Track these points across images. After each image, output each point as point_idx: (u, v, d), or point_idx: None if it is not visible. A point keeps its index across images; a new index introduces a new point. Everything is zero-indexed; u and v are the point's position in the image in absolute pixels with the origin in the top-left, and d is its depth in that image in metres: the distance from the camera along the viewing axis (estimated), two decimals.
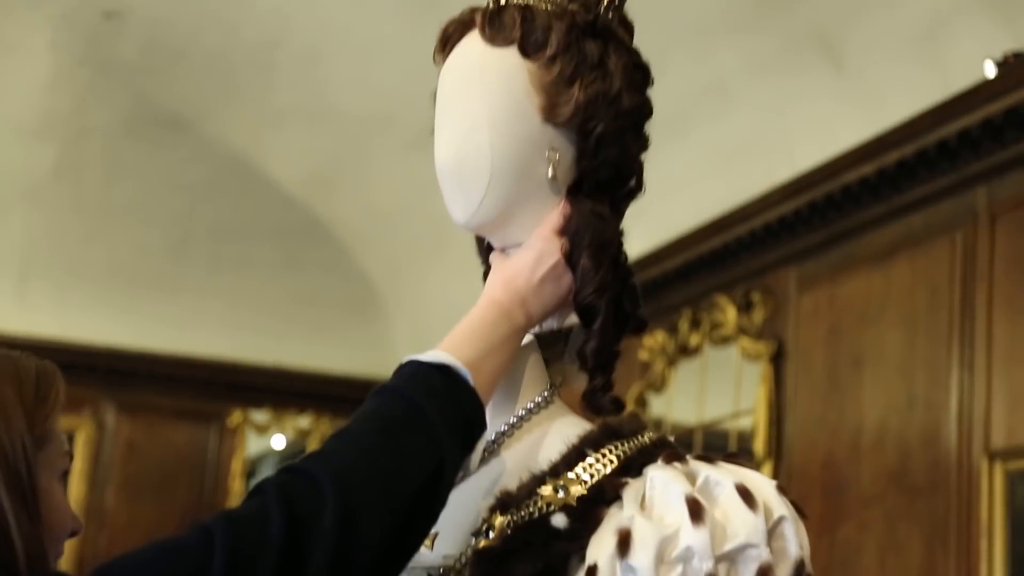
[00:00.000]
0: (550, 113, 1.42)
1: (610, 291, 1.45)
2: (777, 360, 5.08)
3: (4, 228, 7.39)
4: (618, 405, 1.43)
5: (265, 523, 1.18)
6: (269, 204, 7.46)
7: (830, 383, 4.76)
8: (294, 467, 1.24)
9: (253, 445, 8.25)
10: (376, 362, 7.89)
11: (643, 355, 5.96)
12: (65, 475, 1.43)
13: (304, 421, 8.27)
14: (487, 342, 1.37)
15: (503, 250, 1.49)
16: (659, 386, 5.91)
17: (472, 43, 1.47)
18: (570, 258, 1.44)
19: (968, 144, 4.12)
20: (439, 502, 1.29)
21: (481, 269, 1.55)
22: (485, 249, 1.55)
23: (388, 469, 1.24)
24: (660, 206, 5.65)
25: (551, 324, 1.49)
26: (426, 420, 1.27)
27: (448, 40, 1.51)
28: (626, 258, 1.51)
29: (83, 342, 7.42)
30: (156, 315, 7.81)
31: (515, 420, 1.45)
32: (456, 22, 1.50)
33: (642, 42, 5.07)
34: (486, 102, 1.43)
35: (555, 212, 1.44)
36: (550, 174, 1.43)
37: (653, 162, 5.36)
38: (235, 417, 8.13)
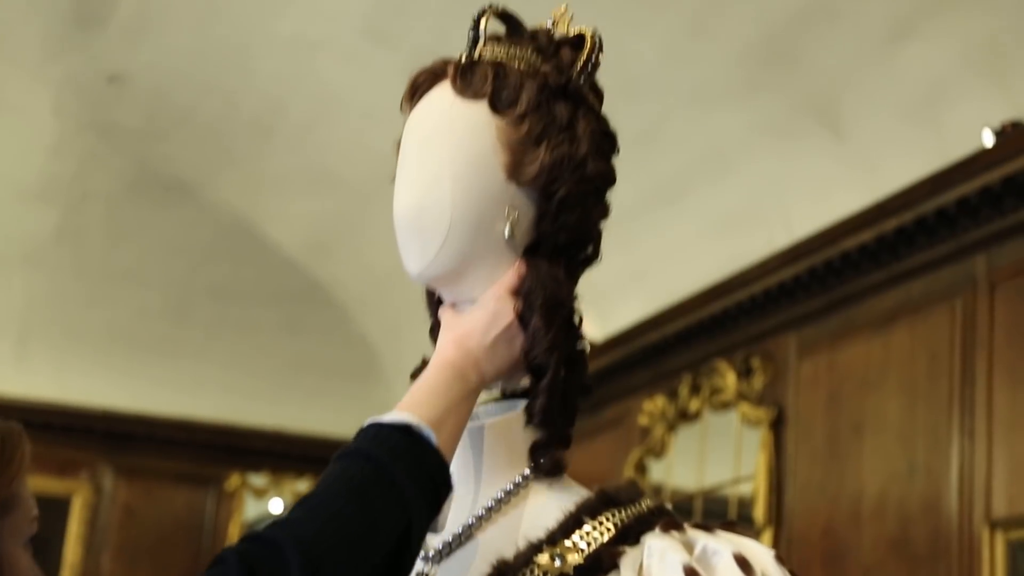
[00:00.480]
0: (514, 171, 1.42)
1: (561, 351, 1.44)
2: (777, 426, 5.06)
3: (5, 291, 7.39)
4: (558, 468, 1.41)
5: None
6: (269, 268, 7.47)
7: (830, 450, 4.74)
8: (257, 535, 1.21)
9: (251, 509, 8.20)
10: None
11: (643, 420, 5.94)
12: (33, 540, 1.41)
13: (303, 485, 8.23)
14: (445, 402, 1.35)
15: (453, 305, 1.49)
16: (659, 451, 5.89)
17: (442, 94, 1.46)
18: (522, 318, 1.44)
19: (967, 212, 4.13)
20: (407, 566, 1.27)
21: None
22: (434, 303, 1.54)
23: (355, 534, 1.22)
24: (660, 271, 5.66)
25: (505, 385, 1.48)
26: (392, 482, 1.25)
27: (417, 89, 1.50)
28: (580, 321, 1.50)
29: (81, 405, 7.40)
30: (155, 378, 7.80)
31: (511, 487, 1.44)
32: (427, 72, 1.49)
33: (640, 108, 5.15)
34: (451, 154, 1.42)
35: (510, 272, 1.44)
36: (507, 232, 1.43)
37: (653, 227, 5.42)
38: (233, 481, 8.09)
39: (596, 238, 1.50)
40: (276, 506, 8.29)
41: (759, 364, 5.22)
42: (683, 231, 5.47)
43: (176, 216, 7.18)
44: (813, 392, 4.91)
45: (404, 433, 1.29)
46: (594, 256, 1.50)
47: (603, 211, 1.49)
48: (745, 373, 5.29)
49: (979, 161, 4.05)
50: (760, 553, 1.31)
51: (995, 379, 4.05)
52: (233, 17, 5.55)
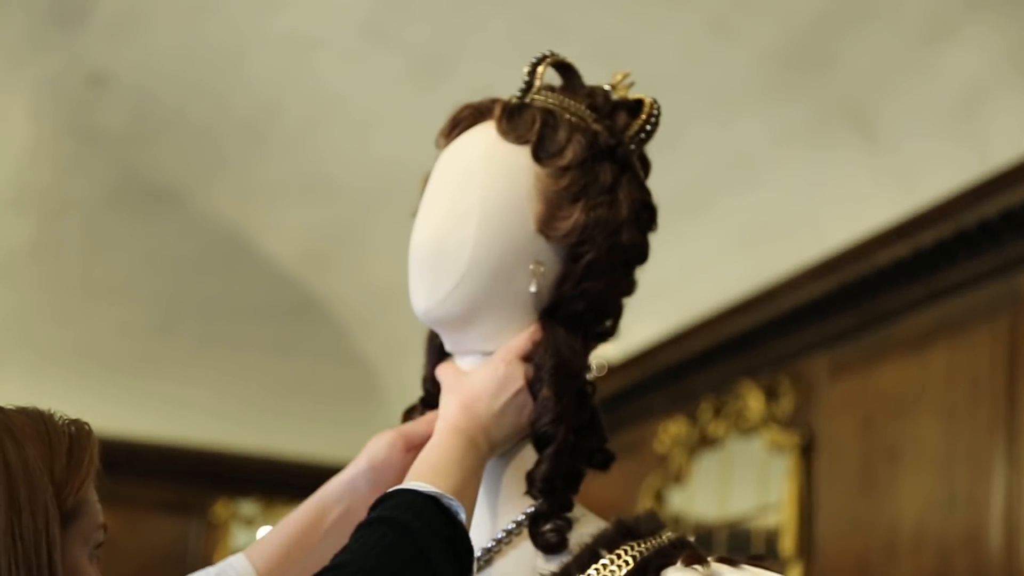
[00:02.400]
0: (546, 224, 1.44)
1: (568, 421, 1.44)
2: (807, 452, 5.07)
3: None
4: (561, 542, 1.42)
5: None
6: (261, 282, 7.48)
7: (864, 478, 4.75)
8: None
9: (240, 539, 8.20)
10: None
11: (661, 446, 5.95)
12: (99, 548, 1.41)
13: None
14: (462, 472, 1.37)
15: (452, 358, 1.49)
16: (678, 479, 5.89)
17: (484, 132, 1.49)
18: (531, 385, 1.45)
19: (1012, 224, 4.14)
20: None
21: None
22: (435, 350, 1.55)
23: None
24: (680, 286, 5.67)
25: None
26: (425, 557, 1.28)
27: (458, 124, 1.53)
28: (593, 391, 1.51)
29: None
30: (137, 400, 7.81)
31: (522, 517, 1.46)
32: (472, 108, 1.53)
33: (662, 109, 5.08)
34: (483, 193, 1.44)
35: (524, 334, 1.45)
36: (532, 288, 1.44)
37: (673, 238, 5.43)
38: (220, 509, 8.09)
39: (617, 313, 1.51)
40: None
41: (787, 386, 5.22)
42: (706, 243, 5.48)
43: (161, 226, 7.19)
44: (845, 416, 4.92)
45: (436, 506, 1.32)
46: (612, 332, 1.51)
47: (628, 287, 1.51)
48: (772, 395, 5.30)
49: None
50: None
51: None
52: (224, 13, 5.58)
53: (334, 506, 1.52)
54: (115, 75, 6.11)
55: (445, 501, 1.31)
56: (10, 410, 1.39)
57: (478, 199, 1.44)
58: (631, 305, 1.54)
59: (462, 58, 5.31)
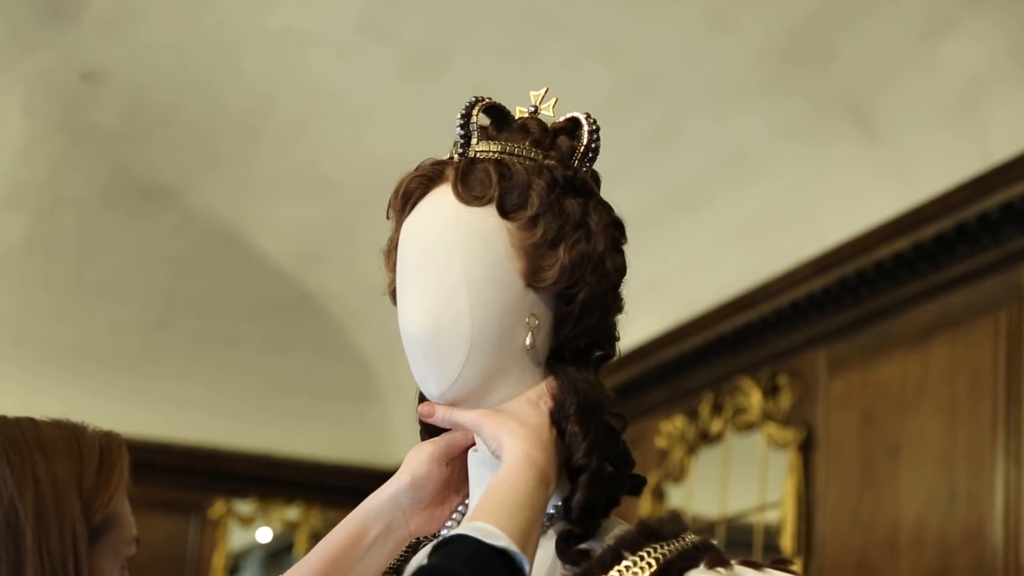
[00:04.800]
0: (533, 278, 1.42)
1: (599, 451, 1.43)
2: (806, 448, 5.07)
3: None
4: (585, 559, 1.41)
5: None
6: (256, 279, 7.48)
7: (864, 474, 4.75)
8: None
9: (237, 538, 8.21)
10: (372, 449, 7.87)
11: (660, 442, 5.95)
12: (128, 561, 1.40)
13: (292, 512, 8.24)
14: (532, 512, 1.35)
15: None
16: (678, 476, 5.89)
17: (442, 200, 1.46)
18: (558, 426, 1.44)
19: (1012, 218, 4.15)
20: None
21: None
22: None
23: None
24: (678, 282, 5.68)
25: None
26: None
27: (409, 197, 1.49)
28: (623, 425, 1.51)
29: None
30: (132, 398, 7.81)
31: (547, 519, 1.46)
32: (418, 177, 1.49)
33: (657, 105, 5.16)
34: (464, 265, 1.42)
35: (540, 387, 1.44)
36: (528, 342, 1.43)
37: (671, 234, 5.43)
38: (217, 508, 8.10)
39: (615, 334, 1.51)
40: (264, 535, 8.30)
41: (786, 382, 5.23)
42: (704, 239, 5.49)
43: (156, 224, 7.19)
44: (845, 412, 4.92)
45: (502, 559, 1.29)
46: (611, 354, 1.51)
47: (620, 307, 1.50)
48: (771, 391, 5.30)
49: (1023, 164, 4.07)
50: None
51: None
52: (218, 9, 5.57)
53: (375, 524, 1.51)
54: (108, 72, 6.10)
55: (511, 553, 1.29)
56: (43, 422, 1.38)
57: (462, 273, 1.42)
58: (633, 301, 1.53)
59: (457, 54, 5.31)
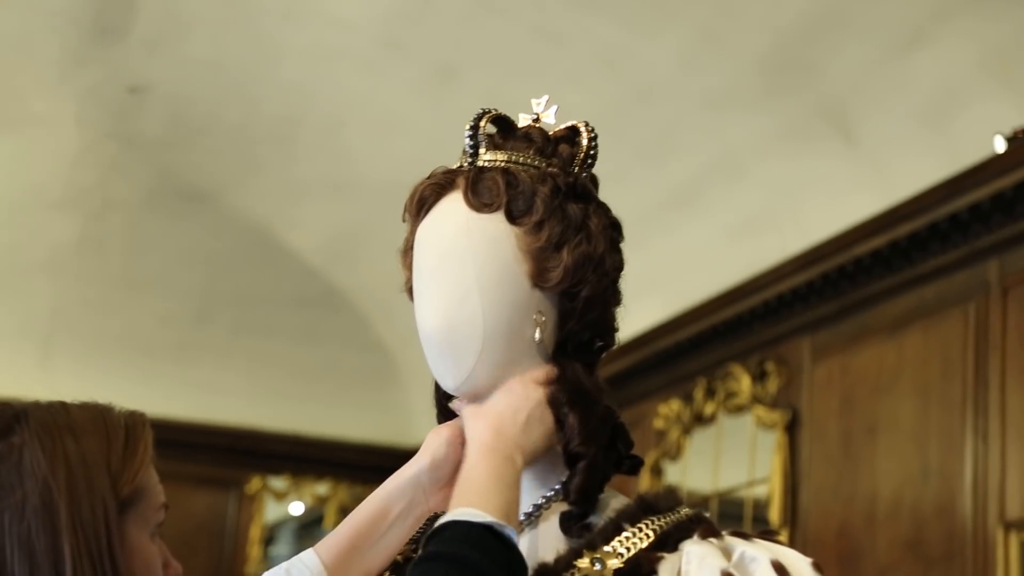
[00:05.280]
0: (539, 278, 1.43)
1: (596, 440, 1.44)
2: (792, 429, 5.07)
3: (29, 298, 7.42)
4: (588, 532, 1.41)
5: None
6: (289, 274, 7.48)
7: (845, 452, 4.75)
8: None
9: (271, 511, 8.21)
10: (393, 430, 7.88)
11: (658, 424, 5.95)
12: (159, 527, 1.40)
13: (322, 488, 8.25)
14: (506, 488, 1.36)
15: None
16: (674, 454, 5.89)
17: (454, 207, 1.46)
18: (557, 413, 1.44)
19: (979, 217, 4.14)
20: None
21: None
22: (443, 395, 1.54)
23: None
24: (675, 276, 5.67)
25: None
26: None
27: (424, 202, 1.49)
28: (614, 412, 1.50)
29: None
30: (176, 384, 7.82)
31: (552, 493, 1.46)
32: (431, 184, 1.49)
33: (655, 113, 5.15)
34: (476, 268, 1.43)
35: (540, 369, 1.45)
36: (537, 337, 1.43)
37: (667, 231, 5.42)
38: (254, 484, 8.11)
39: (614, 327, 1.51)
40: (296, 509, 8.31)
41: (773, 368, 5.22)
42: (697, 236, 5.48)
43: (196, 224, 7.20)
44: (827, 395, 4.91)
45: (491, 533, 1.29)
46: (611, 344, 1.51)
47: (618, 300, 1.50)
48: (759, 377, 5.30)
49: (991, 167, 4.05)
50: (798, 561, 1.33)
51: (1008, 382, 4.05)
52: (254, 26, 5.57)
53: (398, 501, 1.51)
54: (153, 85, 6.10)
55: (498, 528, 1.29)
56: (72, 405, 1.38)
57: (474, 276, 1.43)
58: (631, 294, 1.53)
59: (471, 66, 5.31)
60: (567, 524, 1.42)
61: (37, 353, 7.56)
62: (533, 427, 1.42)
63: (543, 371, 1.45)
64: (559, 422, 1.44)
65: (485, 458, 1.39)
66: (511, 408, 1.42)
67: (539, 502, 1.46)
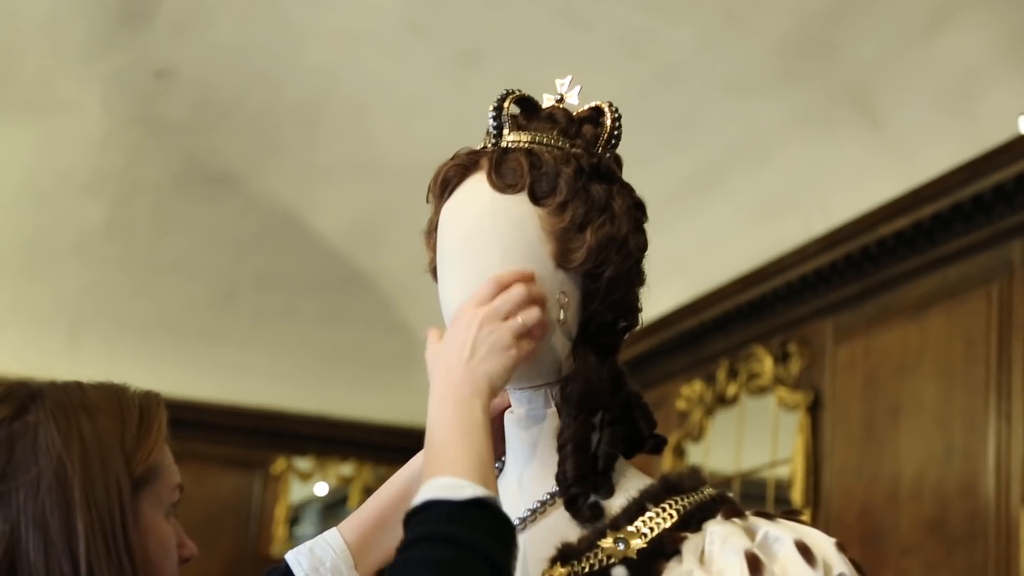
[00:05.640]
0: (563, 259, 1.41)
1: (587, 431, 1.42)
2: (814, 410, 5.06)
3: (57, 281, 7.46)
4: (596, 514, 1.40)
5: None
6: (314, 257, 7.50)
7: (867, 433, 4.74)
8: None
9: (297, 492, 8.24)
10: (418, 411, 7.85)
11: (681, 405, 5.94)
12: (174, 507, 1.40)
13: (347, 468, 8.27)
14: (470, 439, 1.32)
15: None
16: (696, 435, 5.89)
17: (478, 188, 1.45)
18: (561, 403, 1.43)
19: (1003, 198, 4.11)
20: None
21: None
22: None
23: None
24: (697, 258, 5.66)
25: (530, 382, 1.46)
26: (482, 555, 1.24)
27: (448, 183, 1.48)
28: (637, 393, 1.49)
29: None
30: (202, 365, 7.85)
31: (549, 497, 1.45)
32: (455, 165, 1.48)
33: (678, 95, 5.13)
34: (500, 249, 1.41)
35: (481, 288, 1.40)
36: (560, 317, 1.42)
37: (690, 213, 5.40)
38: (279, 464, 8.14)
39: (638, 307, 1.49)
40: (321, 489, 8.34)
41: (796, 349, 5.21)
42: (720, 218, 5.46)
43: (222, 207, 7.22)
44: (850, 377, 4.90)
45: (477, 507, 1.27)
46: (634, 324, 1.49)
47: (642, 281, 1.48)
48: (782, 358, 5.29)
49: (1015, 148, 4.03)
50: (821, 541, 1.32)
51: None
52: (278, 11, 5.57)
53: (421, 479, 1.51)
54: (179, 69, 6.12)
55: (481, 499, 1.27)
56: (88, 386, 1.39)
57: (498, 256, 1.41)
58: (655, 275, 1.52)
59: (494, 49, 5.30)
60: (572, 508, 1.41)
61: (66, 335, 7.60)
62: (484, 356, 1.37)
63: (483, 288, 1.41)
64: (558, 410, 1.43)
65: (440, 412, 1.35)
66: (456, 345, 1.38)
67: (553, 490, 1.45)
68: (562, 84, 1.52)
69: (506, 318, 1.38)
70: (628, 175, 1.52)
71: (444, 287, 1.47)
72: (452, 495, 1.27)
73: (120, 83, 6.26)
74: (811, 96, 4.72)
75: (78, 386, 1.38)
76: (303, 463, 8.21)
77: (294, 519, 8.26)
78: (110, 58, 6.07)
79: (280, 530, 8.04)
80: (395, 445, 7.63)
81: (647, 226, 1.50)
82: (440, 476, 1.29)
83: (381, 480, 1.59)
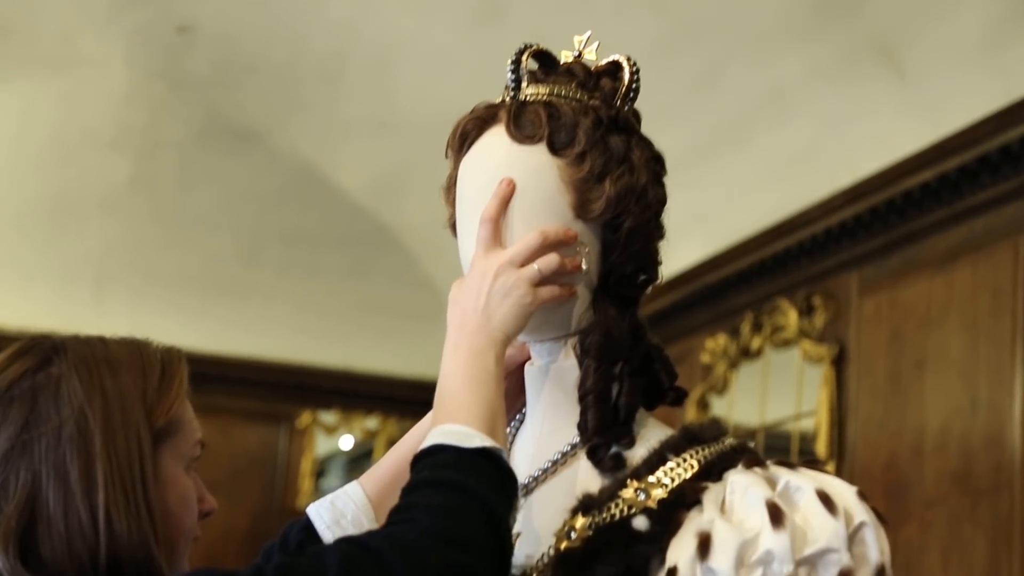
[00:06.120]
0: (582, 209, 1.41)
1: (608, 380, 1.43)
2: (839, 363, 5.05)
3: (82, 237, 7.50)
4: (618, 464, 1.41)
5: (321, 571, 1.20)
6: (337, 212, 7.51)
7: (892, 386, 4.73)
8: (354, 539, 1.25)
9: (322, 445, 8.31)
10: (440, 366, 7.92)
11: (705, 358, 5.95)
12: (194, 462, 1.41)
13: (371, 422, 8.33)
14: (483, 390, 1.35)
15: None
16: (720, 388, 5.90)
17: (497, 140, 1.45)
18: (581, 355, 1.44)
19: None
20: (507, 550, 1.30)
21: None
22: None
23: (450, 538, 1.24)
24: (722, 211, 5.65)
25: (546, 334, 1.47)
26: (481, 503, 1.27)
27: (466, 137, 1.49)
28: (657, 345, 1.49)
29: None
30: (228, 320, 7.89)
31: (570, 448, 1.46)
32: (474, 119, 1.48)
33: (703, 49, 5.10)
34: (519, 200, 1.41)
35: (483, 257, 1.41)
36: (584, 267, 1.42)
37: (715, 168, 5.39)
38: (304, 418, 8.20)
39: (657, 260, 1.49)
40: (346, 442, 8.40)
41: (821, 302, 5.20)
42: (745, 172, 5.44)
43: (245, 162, 7.23)
44: (875, 329, 4.89)
45: (483, 456, 1.30)
46: (654, 278, 1.50)
47: (661, 233, 1.49)
48: (807, 311, 5.28)
49: None
50: (843, 490, 1.33)
51: None
52: None
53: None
54: (201, 24, 6.11)
55: (487, 450, 1.30)
56: (111, 340, 1.41)
57: (516, 208, 1.42)
58: (679, 230, 1.52)
59: (518, 2, 5.27)
60: (594, 457, 1.42)
61: (92, 289, 7.65)
62: (499, 305, 1.39)
63: (482, 230, 1.41)
64: (579, 361, 1.43)
65: (453, 359, 1.39)
66: (472, 293, 1.40)
67: (574, 441, 1.46)
68: (580, 41, 1.52)
69: (522, 265, 1.38)
70: (652, 129, 1.52)
71: (464, 240, 1.48)
72: (460, 442, 1.30)
73: (142, 39, 6.26)
74: (837, 46, 4.68)
75: (101, 340, 1.40)
76: (328, 417, 8.26)
77: (320, 472, 8.32)
78: (132, 14, 6.07)
79: (306, 483, 8.11)
80: (419, 399, 7.61)
81: (668, 180, 1.50)
82: (449, 423, 1.32)
83: (405, 433, 1.61)
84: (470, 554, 1.23)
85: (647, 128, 1.51)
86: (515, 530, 1.38)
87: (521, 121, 1.44)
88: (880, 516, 1.33)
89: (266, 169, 7.28)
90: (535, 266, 1.39)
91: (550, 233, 1.40)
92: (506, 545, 1.28)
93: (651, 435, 1.44)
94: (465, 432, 1.31)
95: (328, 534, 1.51)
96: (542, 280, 1.40)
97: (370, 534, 1.25)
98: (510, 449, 1.51)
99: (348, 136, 6.89)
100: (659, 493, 1.35)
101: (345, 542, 1.24)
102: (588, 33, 1.52)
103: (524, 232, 1.41)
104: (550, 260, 1.39)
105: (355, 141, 6.92)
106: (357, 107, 6.55)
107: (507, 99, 1.48)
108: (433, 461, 1.29)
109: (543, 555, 1.39)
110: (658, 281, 1.50)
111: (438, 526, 1.23)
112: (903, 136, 4.60)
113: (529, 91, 1.47)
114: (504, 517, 1.28)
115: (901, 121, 4.64)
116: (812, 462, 1.39)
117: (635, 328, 1.46)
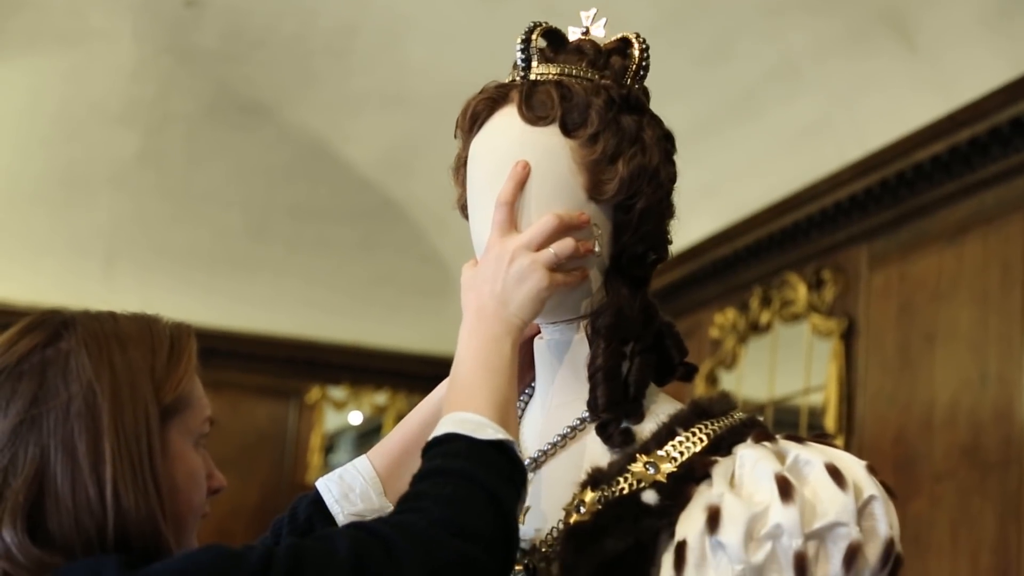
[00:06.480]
0: (595, 190, 1.41)
1: (618, 358, 1.43)
2: (848, 337, 5.05)
3: (91, 211, 7.51)
4: (627, 439, 1.41)
5: (331, 555, 1.21)
6: (346, 186, 7.51)
7: (901, 360, 4.73)
8: (364, 525, 1.25)
9: (331, 420, 8.33)
10: (450, 340, 7.88)
11: (714, 332, 5.95)
12: (203, 438, 1.41)
13: (381, 397, 8.35)
14: (496, 378, 1.35)
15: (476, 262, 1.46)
16: (729, 363, 5.90)
17: (508, 121, 1.44)
18: (589, 333, 1.44)
19: None
20: (513, 539, 1.30)
21: None
22: None
23: (459, 527, 1.25)
24: (731, 185, 5.64)
25: (558, 317, 1.47)
26: (490, 494, 1.27)
27: (477, 118, 1.47)
28: (669, 323, 1.49)
29: None
30: (237, 295, 7.90)
31: (579, 422, 1.46)
32: (484, 99, 1.47)
33: (713, 23, 5.07)
34: (533, 182, 1.41)
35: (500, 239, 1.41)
36: (597, 249, 1.41)
37: (724, 142, 5.37)
38: (314, 394, 8.22)
39: (668, 239, 1.49)
40: (355, 418, 8.42)
41: (830, 276, 5.19)
42: (755, 146, 5.43)
43: (254, 137, 7.23)
44: (884, 303, 4.89)
45: (494, 448, 1.30)
46: (664, 257, 1.49)
47: (672, 213, 1.48)
48: (816, 285, 5.28)
49: None
50: (852, 464, 1.33)
51: None
52: None
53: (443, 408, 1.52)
54: None
55: (500, 442, 1.30)
56: (120, 315, 1.41)
57: (530, 189, 1.41)
58: (688, 204, 1.51)
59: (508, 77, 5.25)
60: (603, 433, 1.42)
61: (101, 264, 7.66)
62: (515, 290, 1.39)
63: (497, 214, 1.41)
64: (589, 341, 1.43)
65: (469, 345, 1.38)
66: (488, 279, 1.40)
67: (584, 416, 1.46)
68: (587, 17, 1.51)
69: (537, 249, 1.38)
70: (661, 103, 1.51)
71: (476, 221, 1.47)
72: (473, 432, 1.30)
73: (150, 12, 6.25)
74: (847, 17, 4.66)
75: (110, 315, 1.40)
76: (337, 392, 8.28)
77: (329, 447, 8.35)
78: None
79: (315, 458, 8.14)
80: (428, 374, 7.66)
81: (678, 156, 1.49)
82: (462, 410, 1.32)
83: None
84: (477, 545, 1.24)
85: (656, 102, 1.51)
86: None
87: (533, 102, 1.43)
88: (889, 490, 1.33)
89: (275, 143, 7.27)
90: (551, 250, 1.39)
91: (564, 216, 1.40)
92: (513, 537, 1.29)
93: (660, 410, 1.44)
94: (478, 421, 1.31)
95: (337, 508, 1.51)
96: (558, 264, 1.39)
97: (380, 520, 1.26)
98: (519, 423, 1.51)
99: (357, 110, 6.88)
100: (668, 467, 1.35)
101: (355, 527, 1.25)
102: (594, 10, 1.51)
103: (538, 215, 1.40)
104: (566, 244, 1.39)
105: (364, 115, 6.91)
106: (366, 81, 6.53)
107: (517, 78, 1.47)
108: (445, 450, 1.30)
109: (552, 529, 1.39)
110: (666, 259, 1.50)
111: (447, 516, 1.24)
112: (913, 109, 4.58)
113: (539, 70, 1.46)
114: (512, 509, 1.28)
115: (911, 94, 4.63)
116: (821, 436, 1.39)
117: (646, 307, 1.46)
